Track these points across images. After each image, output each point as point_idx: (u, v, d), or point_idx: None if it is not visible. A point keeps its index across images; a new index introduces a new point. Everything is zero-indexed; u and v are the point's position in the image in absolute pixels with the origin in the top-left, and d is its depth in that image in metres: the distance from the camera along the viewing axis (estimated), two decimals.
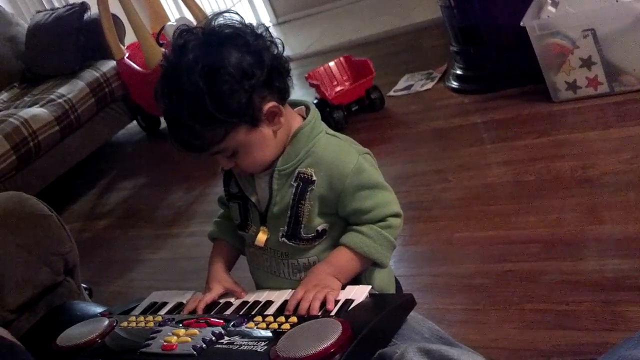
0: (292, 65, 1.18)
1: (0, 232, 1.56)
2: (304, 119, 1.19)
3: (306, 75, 3.08)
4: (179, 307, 1.25)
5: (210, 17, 1.15)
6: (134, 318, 1.22)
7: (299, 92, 3.39)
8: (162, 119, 3.24)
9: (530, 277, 1.64)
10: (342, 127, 2.84)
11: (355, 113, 2.98)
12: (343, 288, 1.13)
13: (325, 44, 4.27)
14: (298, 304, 1.09)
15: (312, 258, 1.18)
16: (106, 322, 1.22)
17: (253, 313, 1.12)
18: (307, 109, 1.21)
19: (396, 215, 1.18)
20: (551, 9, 2.39)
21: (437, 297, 1.72)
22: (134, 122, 3.91)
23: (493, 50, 2.63)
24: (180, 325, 1.12)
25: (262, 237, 1.19)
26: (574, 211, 1.81)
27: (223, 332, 1.06)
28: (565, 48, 2.28)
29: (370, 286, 1.11)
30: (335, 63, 3.13)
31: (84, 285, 1.83)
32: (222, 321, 1.09)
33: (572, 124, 2.22)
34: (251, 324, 1.06)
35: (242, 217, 1.23)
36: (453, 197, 2.12)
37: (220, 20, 1.13)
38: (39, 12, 4.10)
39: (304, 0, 5.01)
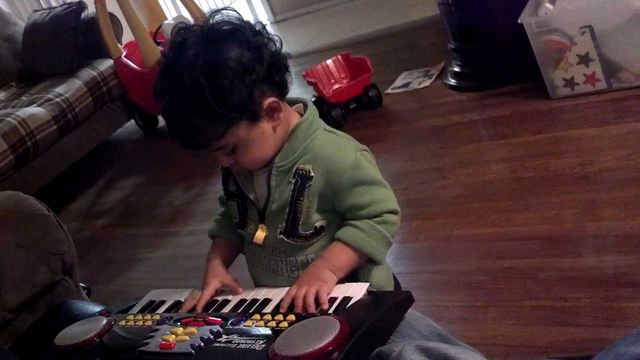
0: (289, 63, 1.18)
1: None
2: (302, 116, 1.19)
3: (304, 73, 3.07)
4: (177, 305, 1.25)
5: (208, 14, 1.15)
6: (132, 317, 1.22)
7: (296, 90, 3.38)
8: (160, 118, 3.27)
9: (529, 273, 1.64)
10: (340, 125, 2.84)
11: (353, 111, 2.98)
12: (341, 283, 1.13)
13: (322, 42, 4.26)
14: (293, 302, 1.09)
15: (311, 256, 1.18)
16: (104, 321, 1.21)
17: (251, 311, 1.12)
18: (305, 106, 1.21)
19: (393, 212, 1.17)
20: (549, 5, 2.39)
21: (435, 294, 1.72)
22: (132, 120, 3.90)
23: (491, 47, 2.63)
24: (179, 323, 1.12)
25: (260, 234, 1.19)
26: (572, 208, 1.81)
27: (221, 330, 1.06)
28: (562, 45, 2.28)
29: (368, 284, 1.11)
30: (333, 61, 3.13)
31: (82, 284, 1.83)
32: (220, 319, 1.09)
33: (570, 121, 2.22)
34: (249, 322, 1.06)
35: (241, 215, 1.23)
36: (451, 194, 2.12)
37: (218, 17, 1.13)
38: (36, 11, 4.08)
39: None
